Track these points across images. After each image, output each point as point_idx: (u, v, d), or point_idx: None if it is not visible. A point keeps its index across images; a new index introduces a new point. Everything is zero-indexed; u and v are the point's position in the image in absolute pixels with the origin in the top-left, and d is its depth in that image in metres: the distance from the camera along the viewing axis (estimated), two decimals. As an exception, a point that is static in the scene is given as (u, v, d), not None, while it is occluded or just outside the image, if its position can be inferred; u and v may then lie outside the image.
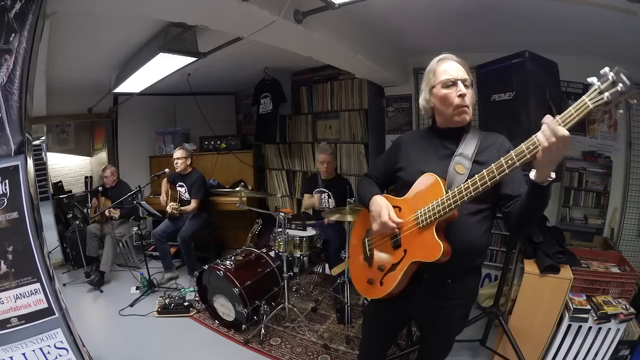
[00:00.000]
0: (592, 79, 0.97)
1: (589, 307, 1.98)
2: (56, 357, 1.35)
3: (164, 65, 2.68)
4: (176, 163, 3.58)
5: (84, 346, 1.45)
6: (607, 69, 0.94)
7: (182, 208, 3.45)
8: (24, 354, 1.30)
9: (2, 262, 1.25)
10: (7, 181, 1.25)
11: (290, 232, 2.75)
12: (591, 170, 2.87)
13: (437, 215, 1.16)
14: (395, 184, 1.42)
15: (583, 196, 2.93)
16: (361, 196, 1.47)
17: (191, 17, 1.82)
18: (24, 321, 1.29)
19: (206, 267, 2.74)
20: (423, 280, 1.28)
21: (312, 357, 2.40)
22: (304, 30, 1.89)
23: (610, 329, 1.98)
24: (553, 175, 1.02)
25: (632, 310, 1.96)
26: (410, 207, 1.27)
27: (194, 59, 2.52)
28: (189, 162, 3.63)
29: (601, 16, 1.86)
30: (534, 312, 2.09)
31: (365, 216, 1.46)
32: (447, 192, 1.16)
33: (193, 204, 3.53)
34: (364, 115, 3.83)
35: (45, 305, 1.31)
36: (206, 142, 4.46)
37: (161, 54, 2.36)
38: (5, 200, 1.25)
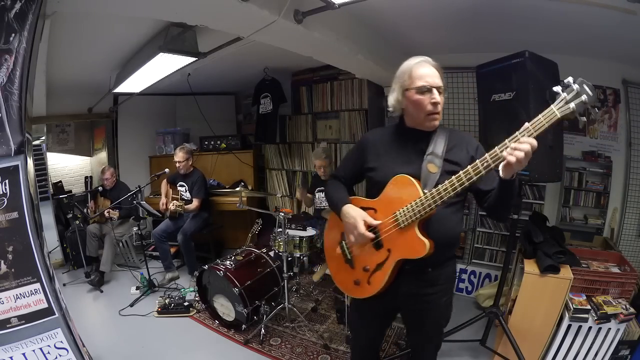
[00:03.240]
0: (557, 89, 1.05)
1: (589, 307, 1.99)
2: (56, 357, 1.35)
3: (164, 65, 2.68)
4: (178, 166, 3.57)
5: (84, 346, 1.45)
6: (570, 79, 1.03)
7: (186, 206, 3.45)
8: (24, 354, 1.30)
9: (2, 262, 1.25)
10: (7, 181, 1.25)
11: (290, 232, 2.75)
12: (591, 170, 2.88)
13: (417, 215, 1.21)
14: (367, 183, 1.45)
15: (583, 196, 2.94)
16: (331, 202, 1.47)
17: (191, 17, 1.82)
18: (24, 321, 1.29)
19: (206, 267, 2.73)
20: (405, 272, 1.31)
21: (312, 357, 2.40)
22: (304, 30, 1.89)
23: (610, 329, 1.98)
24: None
25: (632, 310, 1.96)
26: (386, 208, 1.30)
27: (194, 59, 2.52)
28: (190, 162, 3.64)
29: (601, 16, 1.87)
30: (534, 312, 2.09)
31: (336, 220, 1.46)
32: (424, 192, 1.20)
33: (195, 202, 3.53)
34: (364, 115, 3.82)
35: (45, 305, 1.31)
36: (206, 142, 4.46)
37: (161, 54, 2.35)
38: (5, 200, 1.25)
